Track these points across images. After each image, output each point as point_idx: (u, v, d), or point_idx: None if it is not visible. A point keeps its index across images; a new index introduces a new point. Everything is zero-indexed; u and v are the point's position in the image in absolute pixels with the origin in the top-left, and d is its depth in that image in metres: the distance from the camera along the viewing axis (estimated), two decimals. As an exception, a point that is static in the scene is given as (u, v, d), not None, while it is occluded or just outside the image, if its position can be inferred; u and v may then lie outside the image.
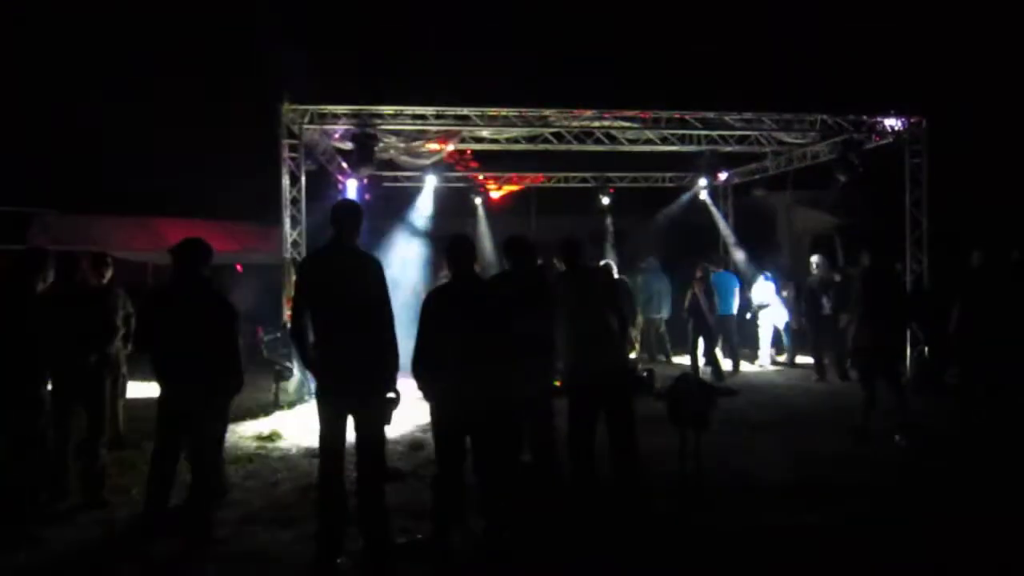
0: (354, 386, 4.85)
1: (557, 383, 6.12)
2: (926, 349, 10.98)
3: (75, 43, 18.47)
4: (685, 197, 18.19)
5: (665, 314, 14.43)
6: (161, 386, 5.24)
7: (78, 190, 17.81)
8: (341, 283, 4.89)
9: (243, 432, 8.77)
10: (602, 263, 12.17)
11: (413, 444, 7.71)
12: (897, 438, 7.85)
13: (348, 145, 12.88)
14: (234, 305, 5.45)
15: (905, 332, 10.21)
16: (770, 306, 13.85)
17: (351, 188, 14.81)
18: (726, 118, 12.88)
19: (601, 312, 5.83)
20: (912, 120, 12.70)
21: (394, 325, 4.98)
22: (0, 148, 17.92)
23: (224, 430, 6.02)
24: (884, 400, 8.07)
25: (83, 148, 19.05)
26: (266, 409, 10.06)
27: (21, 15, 17.63)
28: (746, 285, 14.34)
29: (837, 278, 12.46)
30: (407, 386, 4.95)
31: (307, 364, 5.19)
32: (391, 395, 4.94)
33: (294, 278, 11.79)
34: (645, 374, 10.08)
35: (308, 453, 7.67)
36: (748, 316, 14.30)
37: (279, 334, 10.96)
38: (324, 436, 4.96)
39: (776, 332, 14.04)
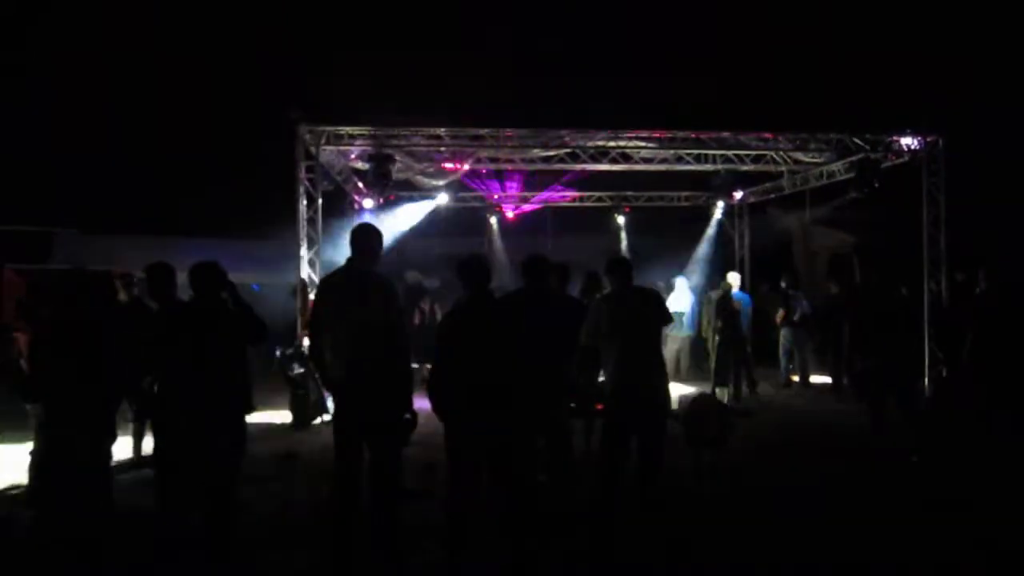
0: (369, 408, 4.86)
1: (598, 406, 6.06)
2: (944, 370, 10.89)
3: (97, 64, 18.69)
4: (711, 230, 18.11)
5: (689, 333, 14.31)
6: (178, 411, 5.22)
7: (100, 210, 17.98)
8: (354, 307, 4.92)
9: (258, 451, 8.76)
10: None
11: (428, 464, 7.71)
12: (913, 459, 7.77)
13: (364, 165, 12.97)
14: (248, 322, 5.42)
15: (913, 353, 10.04)
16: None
17: (367, 207, 14.90)
18: (741, 137, 12.89)
19: (652, 334, 5.78)
20: (929, 139, 12.66)
21: (408, 348, 5.00)
22: (23, 168, 18.12)
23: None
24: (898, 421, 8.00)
25: (105, 168, 19.26)
26: (282, 428, 10.08)
27: (42, 34, 17.87)
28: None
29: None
30: (423, 406, 4.96)
31: (325, 385, 5.21)
32: (407, 416, 4.95)
33: (309, 298, 11.89)
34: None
35: (323, 472, 7.66)
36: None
37: (292, 352, 11.00)
38: (339, 457, 4.97)
39: (789, 351, 13.92)
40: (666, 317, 5.98)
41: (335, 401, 5.05)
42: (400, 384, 4.95)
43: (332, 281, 5.29)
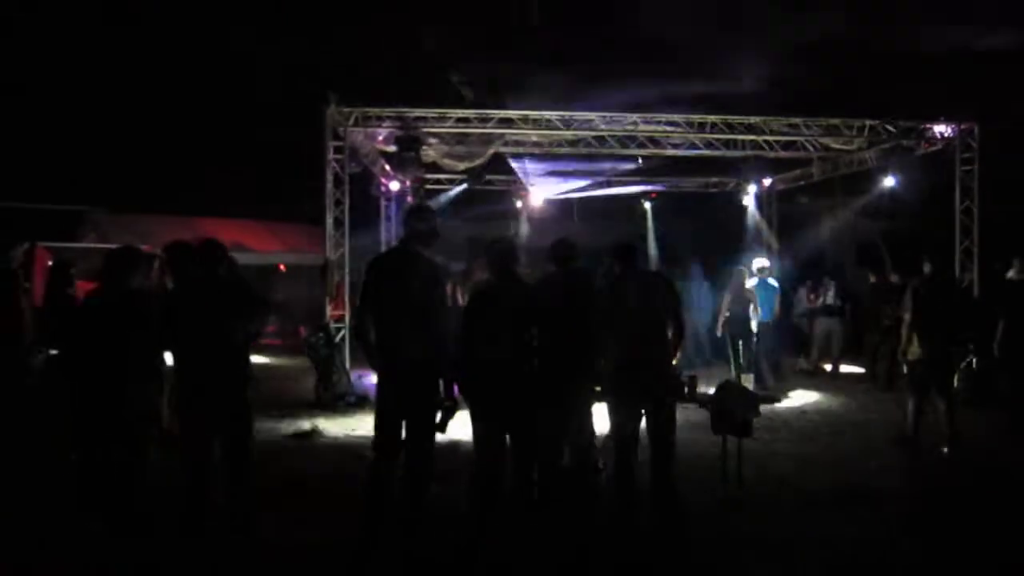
0: (411, 388, 4.89)
1: (597, 388, 6.07)
2: (974, 360, 10.75)
3: (124, 43, 18.81)
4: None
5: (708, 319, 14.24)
6: (185, 385, 5.29)
7: (127, 189, 18.15)
8: (399, 287, 4.94)
9: (284, 430, 8.86)
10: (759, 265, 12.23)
11: (451, 446, 7.74)
12: (944, 450, 7.70)
13: (392, 147, 12.98)
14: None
15: (961, 344, 9.90)
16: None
17: (394, 190, 14.94)
18: (771, 123, 12.75)
19: (655, 316, 5.75)
20: (963, 126, 12.46)
21: (448, 332, 5.01)
22: (52, 148, 18.32)
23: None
24: (932, 411, 7.92)
25: (133, 147, 19.41)
26: (307, 407, 10.16)
27: (68, 16, 17.99)
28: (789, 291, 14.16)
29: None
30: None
31: (369, 363, 5.23)
32: (447, 403, 4.97)
33: (336, 279, 11.96)
34: (687, 380, 9.95)
35: (347, 452, 7.73)
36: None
37: (321, 333, 11.06)
38: (379, 436, 5.01)
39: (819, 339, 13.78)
40: (674, 300, 5.93)
41: (378, 379, 5.07)
42: (441, 366, 4.97)
43: (383, 261, 5.33)
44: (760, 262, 12.88)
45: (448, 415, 5.00)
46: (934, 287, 8.06)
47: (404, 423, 4.96)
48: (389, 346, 4.95)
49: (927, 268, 8.22)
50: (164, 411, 6.12)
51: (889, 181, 13.42)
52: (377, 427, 5.04)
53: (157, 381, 5.63)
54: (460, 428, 5.37)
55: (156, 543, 5.14)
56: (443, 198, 16.61)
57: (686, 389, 6.64)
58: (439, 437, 5.12)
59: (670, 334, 5.73)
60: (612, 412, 5.73)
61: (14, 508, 5.79)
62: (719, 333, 12.37)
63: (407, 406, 4.93)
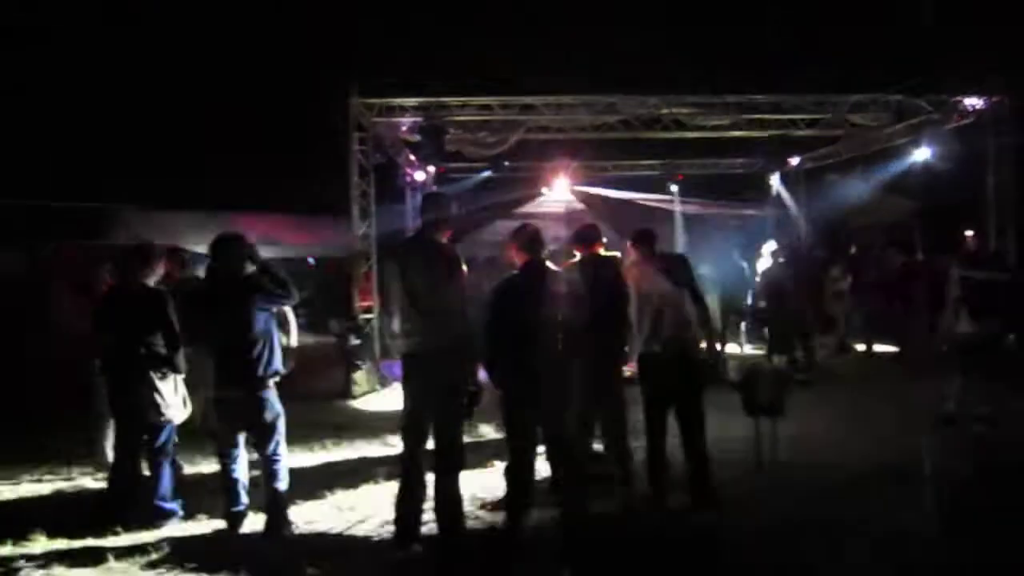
0: (436, 376, 4.89)
1: (628, 373, 6.06)
2: (1011, 337, 10.56)
3: (153, 38, 18.96)
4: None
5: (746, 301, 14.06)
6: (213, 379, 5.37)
7: (157, 186, 18.29)
8: (421, 275, 4.94)
9: (315, 421, 8.91)
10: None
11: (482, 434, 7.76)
12: (976, 428, 7.59)
13: (416, 137, 12.99)
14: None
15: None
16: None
17: (418, 180, 14.94)
18: (796, 101, 12.58)
19: (675, 298, 5.72)
20: (995, 99, 12.22)
21: (469, 319, 5.02)
22: (81, 146, 18.49)
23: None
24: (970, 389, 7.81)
25: (161, 143, 19.56)
26: (338, 399, 10.22)
27: (94, 16, 18.15)
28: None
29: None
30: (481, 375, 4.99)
31: (394, 351, 5.28)
32: (472, 389, 4.98)
33: (363, 270, 12.01)
34: (717, 361, 9.89)
35: (378, 442, 7.77)
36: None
37: (347, 324, 11.12)
38: (406, 424, 5.03)
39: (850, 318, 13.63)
40: (692, 280, 5.91)
41: (403, 367, 5.09)
42: (466, 353, 4.97)
43: (400, 249, 5.33)
44: (771, 245, 12.73)
45: (474, 401, 5.00)
46: (978, 263, 7.92)
47: (430, 410, 4.97)
48: (413, 334, 4.96)
49: (970, 244, 8.08)
50: (190, 407, 6.18)
51: (922, 155, 13.17)
52: (404, 414, 5.06)
53: (174, 376, 5.72)
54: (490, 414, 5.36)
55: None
56: (467, 183, 16.58)
57: (717, 370, 6.61)
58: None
59: (695, 315, 5.71)
60: (641, 396, 5.74)
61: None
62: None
63: (433, 393, 4.94)
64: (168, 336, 5.61)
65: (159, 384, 5.62)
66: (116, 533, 5.29)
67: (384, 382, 10.75)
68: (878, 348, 13.32)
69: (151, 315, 5.59)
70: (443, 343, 4.88)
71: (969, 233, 11.16)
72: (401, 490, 5.01)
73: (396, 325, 5.00)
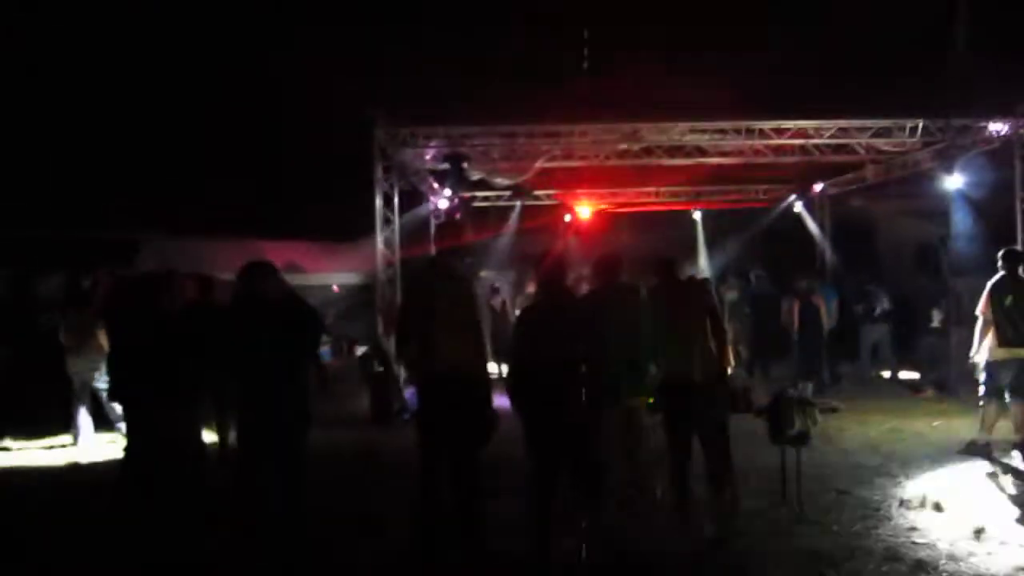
0: (452, 405, 4.91)
1: (651, 400, 6.05)
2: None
3: (178, 68, 19.27)
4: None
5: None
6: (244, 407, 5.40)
7: (184, 214, 18.54)
8: (440, 305, 4.98)
9: (339, 443, 8.94)
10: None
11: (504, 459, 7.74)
12: (1016, 453, 7.49)
13: (440, 165, 13.10)
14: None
15: None
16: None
17: (442, 207, 15.05)
18: (820, 126, 12.56)
19: (696, 325, 5.72)
20: (1020, 122, 12.14)
21: (487, 348, 5.05)
22: (110, 177, 18.79)
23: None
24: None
25: (188, 172, 19.84)
26: (363, 424, 10.27)
27: (115, 42, 18.47)
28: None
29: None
30: (502, 403, 5.00)
31: (413, 378, 5.31)
32: (488, 415, 4.99)
33: (388, 296, 12.08)
34: (743, 389, 9.82)
35: (403, 470, 7.77)
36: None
37: (372, 351, 11.18)
38: (423, 451, 5.04)
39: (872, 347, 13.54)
40: (712, 306, 5.92)
41: (419, 396, 5.12)
42: (482, 382, 5.00)
43: (419, 278, 5.38)
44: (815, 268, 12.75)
45: (492, 428, 5.02)
46: (1010, 285, 7.82)
47: (449, 437, 4.98)
48: (431, 361, 4.98)
49: (1001, 266, 7.98)
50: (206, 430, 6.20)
51: (953, 183, 13.12)
52: (422, 443, 5.07)
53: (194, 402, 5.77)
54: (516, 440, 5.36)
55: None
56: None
57: (740, 399, 6.58)
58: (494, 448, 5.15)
59: (713, 343, 5.71)
60: (663, 425, 5.75)
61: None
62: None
63: (451, 421, 4.96)
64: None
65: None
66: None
67: (411, 408, 10.77)
68: (903, 375, 13.23)
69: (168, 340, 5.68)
70: (463, 371, 4.90)
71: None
72: (419, 516, 5.03)
73: (414, 353, 5.04)
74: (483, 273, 15.36)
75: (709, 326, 5.74)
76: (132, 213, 17.79)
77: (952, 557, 5.15)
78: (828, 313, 12.40)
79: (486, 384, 5.06)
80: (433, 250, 5.24)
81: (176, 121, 19.57)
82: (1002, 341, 7.66)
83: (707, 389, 5.63)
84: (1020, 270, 7.81)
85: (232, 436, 7.41)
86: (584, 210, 18.09)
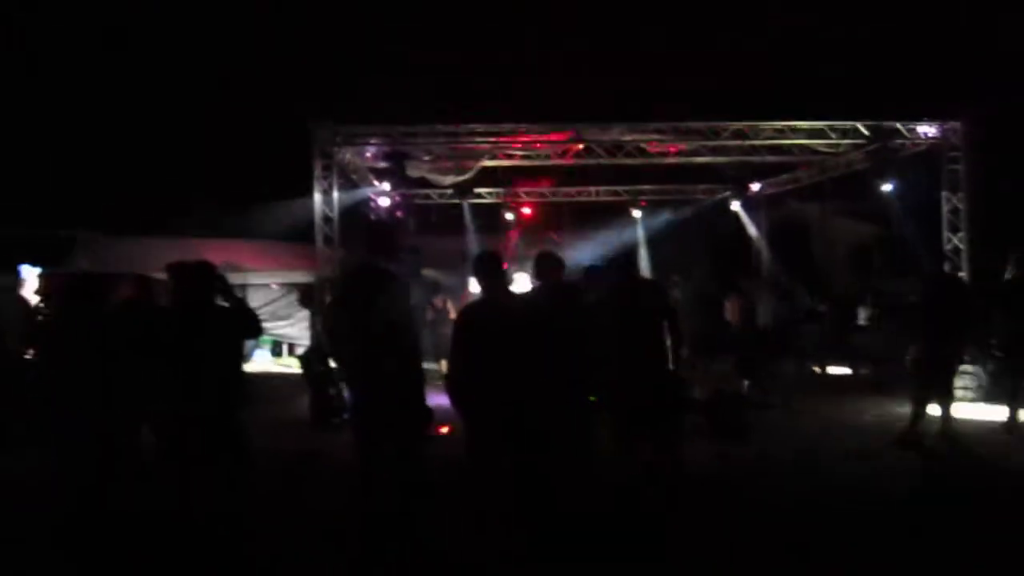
0: (388, 407, 4.89)
1: (593, 398, 6.08)
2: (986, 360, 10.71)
3: (113, 64, 18.85)
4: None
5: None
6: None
7: (120, 213, 18.13)
8: (367, 304, 4.94)
9: (282, 449, 8.82)
10: None
11: (446, 458, 7.72)
12: (938, 449, 7.73)
13: (380, 163, 13.03)
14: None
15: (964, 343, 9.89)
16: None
17: (383, 206, 14.96)
18: (757, 128, 12.81)
19: (652, 327, 5.77)
20: (947, 125, 12.55)
21: (420, 345, 5.05)
22: (45, 171, 18.31)
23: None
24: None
25: (123, 170, 19.43)
26: (303, 426, 10.13)
27: (58, 38, 18.03)
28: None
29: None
30: (444, 402, 4.99)
31: (347, 384, 5.25)
32: (423, 416, 4.98)
33: (328, 297, 11.97)
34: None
35: (345, 471, 7.69)
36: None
37: (314, 350, 11.05)
38: (362, 455, 5.01)
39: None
40: (668, 308, 5.98)
41: (353, 398, 5.08)
42: (414, 380, 4.98)
43: (348, 278, 5.34)
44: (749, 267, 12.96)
45: (428, 424, 5.02)
46: (936, 288, 8.06)
47: (385, 436, 4.97)
48: (365, 364, 4.95)
49: (929, 269, 8.24)
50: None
51: (879, 184, 13.50)
52: (359, 444, 5.04)
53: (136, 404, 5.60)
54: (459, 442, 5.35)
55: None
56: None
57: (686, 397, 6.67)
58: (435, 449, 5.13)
59: (668, 343, 5.76)
60: (613, 428, 5.77)
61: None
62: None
63: (388, 423, 4.94)
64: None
65: None
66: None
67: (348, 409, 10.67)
68: (833, 371, 13.56)
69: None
70: (392, 371, 4.89)
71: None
72: (362, 522, 5.00)
73: (345, 354, 5.01)
74: (425, 271, 15.28)
75: (667, 327, 5.79)
76: (65, 209, 17.35)
77: (884, 552, 5.30)
78: (764, 312, 12.61)
79: (420, 381, 5.04)
80: (370, 249, 5.19)
81: (111, 117, 19.15)
82: (927, 341, 7.91)
83: (661, 389, 5.68)
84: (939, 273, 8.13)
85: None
86: (525, 209, 18.19)
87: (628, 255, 6.29)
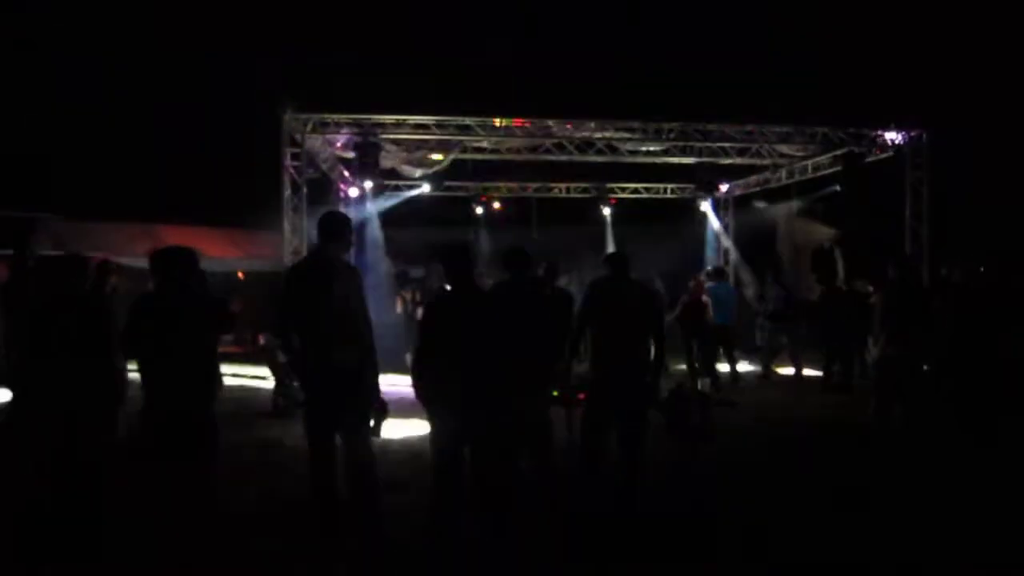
0: (338, 398, 4.88)
1: (555, 392, 6.10)
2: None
3: (77, 48, 18.58)
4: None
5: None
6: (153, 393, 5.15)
7: (81, 195, 17.88)
8: (320, 294, 4.91)
9: (244, 439, 8.76)
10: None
11: (414, 452, 7.71)
12: (901, 448, 7.83)
13: (350, 153, 12.96)
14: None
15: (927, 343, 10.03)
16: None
17: (352, 196, 14.88)
18: (727, 130, 12.93)
19: (637, 327, 5.79)
20: (913, 133, 12.76)
21: (372, 336, 5.03)
22: (3, 153, 18.00)
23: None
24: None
25: (91, 154, 19.16)
26: (267, 416, 10.08)
27: (22, 17, 17.73)
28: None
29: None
30: (407, 393, 4.99)
31: (296, 374, 5.22)
32: (377, 407, 4.98)
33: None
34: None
35: (304, 460, 7.66)
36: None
37: (278, 340, 10.97)
38: (314, 448, 4.99)
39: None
40: (654, 316, 5.97)
41: (304, 389, 5.05)
42: (367, 372, 4.97)
43: (300, 268, 5.31)
44: (715, 266, 13.05)
45: (380, 420, 5.01)
46: (900, 291, 8.18)
47: (337, 430, 4.96)
48: (316, 354, 4.93)
49: (892, 273, 8.34)
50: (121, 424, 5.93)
51: (840, 184, 13.71)
52: (310, 436, 5.02)
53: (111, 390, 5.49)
54: (422, 434, 5.35)
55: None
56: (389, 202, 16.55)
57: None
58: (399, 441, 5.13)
59: (651, 346, 5.78)
60: (584, 419, 5.78)
61: None
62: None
63: (339, 414, 4.93)
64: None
65: None
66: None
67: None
68: (806, 372, 13.66)
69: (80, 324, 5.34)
70: (350, 363, 4.88)
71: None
72: (316, 511, 5.00)
73: (296, 344, 4.98)
74: (393, 263, 15.25)
75: (653, 330, 5.81)
76: (25, 191, 17.07)
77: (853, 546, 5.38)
78: (725, 311, 12.67)
79: (372, 372, 5.03)
80: (323, 238, 5.10)
81: (75, 100, 18.88)
82: (895, 340, 8.04)
83: (637, 389, 5.71)
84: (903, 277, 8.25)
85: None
86: (495, 203, 18.21)
87: (623, 255, 6.24)
